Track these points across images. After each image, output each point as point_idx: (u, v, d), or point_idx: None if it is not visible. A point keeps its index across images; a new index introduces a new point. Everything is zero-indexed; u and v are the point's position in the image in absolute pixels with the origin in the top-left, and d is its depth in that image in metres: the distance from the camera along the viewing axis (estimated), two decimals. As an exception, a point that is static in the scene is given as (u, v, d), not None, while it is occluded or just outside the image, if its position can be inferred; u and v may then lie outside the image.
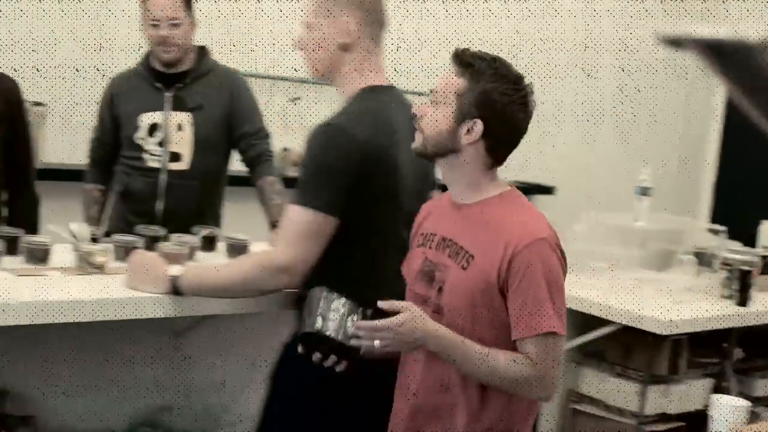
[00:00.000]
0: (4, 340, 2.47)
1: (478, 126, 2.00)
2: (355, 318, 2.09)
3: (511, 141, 2.05)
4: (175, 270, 2.36)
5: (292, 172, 3.99)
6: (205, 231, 2.97)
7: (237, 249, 2.86)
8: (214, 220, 3.29)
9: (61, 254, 2.66)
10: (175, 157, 3.27)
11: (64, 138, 4.25)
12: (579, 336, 3.26)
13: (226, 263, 2.60)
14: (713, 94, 6.01)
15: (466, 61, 2.03)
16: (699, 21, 5.63)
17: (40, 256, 2.60)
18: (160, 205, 3.25)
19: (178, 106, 3.29)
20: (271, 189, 3.30)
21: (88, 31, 4.22)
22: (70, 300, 2.30)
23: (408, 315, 2.00)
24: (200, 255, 2.84)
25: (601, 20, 5.60)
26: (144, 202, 3.28)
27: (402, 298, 2.12)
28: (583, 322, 3.23)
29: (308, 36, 2.41)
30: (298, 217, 2.28)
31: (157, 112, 3.29)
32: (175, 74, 3.30)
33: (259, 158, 3.35)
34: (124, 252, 2.64)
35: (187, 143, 3.27)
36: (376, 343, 2.01)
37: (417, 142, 2.09)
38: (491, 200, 2.06)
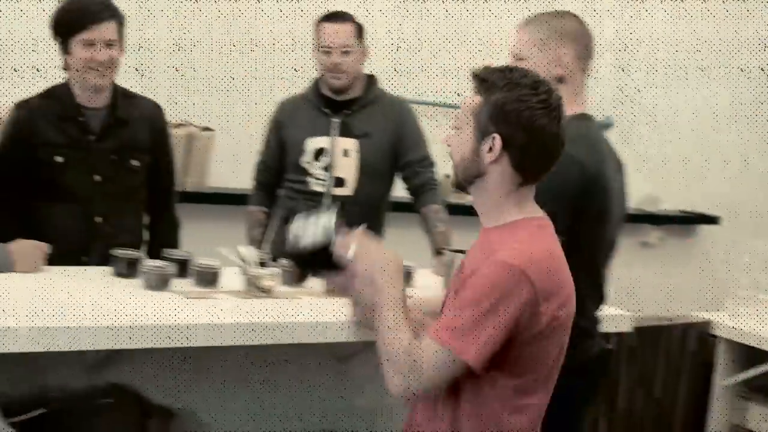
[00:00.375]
0: (174, 360, 2.51)
1: (497, 141, 1.89)
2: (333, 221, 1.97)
3: (540, 151, 1.91)
4: None
5: (455, 199, 3.98)
6: None
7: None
8: None
9: (230, 277, 2.72)
10: (340, 182, 3.36)
11: (229, 162, 4.37)
12: (745, 370, 3.19)
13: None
14: None
15: (480, 77, 1.94)
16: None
17: (209, 279, 2.67)
18: None
19: (345, 132, 3.37)
20: (435, 217, 3.37)
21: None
22: (239, 323, 2.33)
23: (389, 252, 1.92)
24: None
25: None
26: None
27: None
28: (750, 355, 3.17)
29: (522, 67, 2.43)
30: None
31: (324, 137, 3.38)
32: (344, 101, 3.40)
33: (423, 186, 3.42)
34: (290, 277, 2.71)
35: (352, 169, 3.34)
36: (350, 252, 1.92)
37: (452, 175, 2.01)
38: (508, 226, 1.95)
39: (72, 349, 2.20)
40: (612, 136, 6.07)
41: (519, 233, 1.92)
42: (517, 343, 1.86)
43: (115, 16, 3.01)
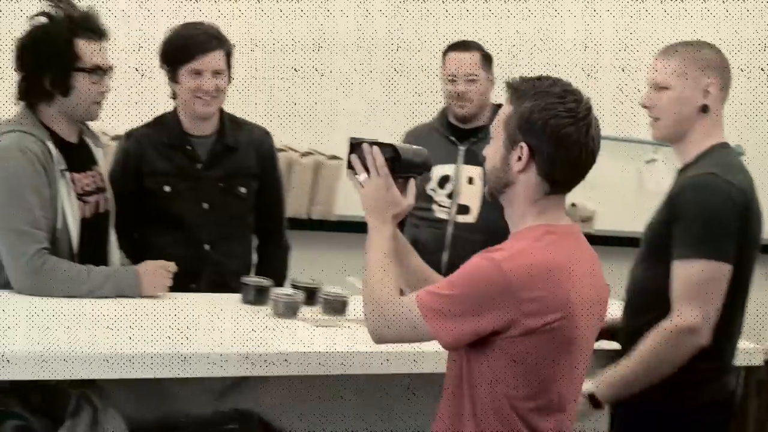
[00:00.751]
0: (299, 387, 2.53)
1: (525, 150, 1.91)
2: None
3: (567, 160, 1.91)
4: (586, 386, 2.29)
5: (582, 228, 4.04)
6: None
7: None
8: None
9: (359, 306, 2.72)
10: (464, 209, 3.41)
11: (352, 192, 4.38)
12: None
13: (633, 356, 2.34)
14: None
15: (511, 86, 1.96)
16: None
17: (337, 308, 2.71)
18: (445, 257, 3.34)
19: (471, 160, 3.42)
20: None
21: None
22: (368, 352, 2.35)
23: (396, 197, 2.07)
24: None
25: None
26: (429, 253, 3.36)
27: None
28: None
29: (665, 96, 2.43)
30: (698, 271, 2.25)
31: (450, 165, 3.44)
32: (471, 129, 3.45)
33: None
34: None
35: (476, 196, 3.38)
36: (362, 176, 2.10)
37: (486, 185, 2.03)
38: (521, 231, 1.97)
39: (204, 376, 2.23)
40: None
41: (525, 236, 1.94)
42: (501, 342, 1.88)
43: (223, 45, 3.03)
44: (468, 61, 3.42)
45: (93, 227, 2.79)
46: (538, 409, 1.92)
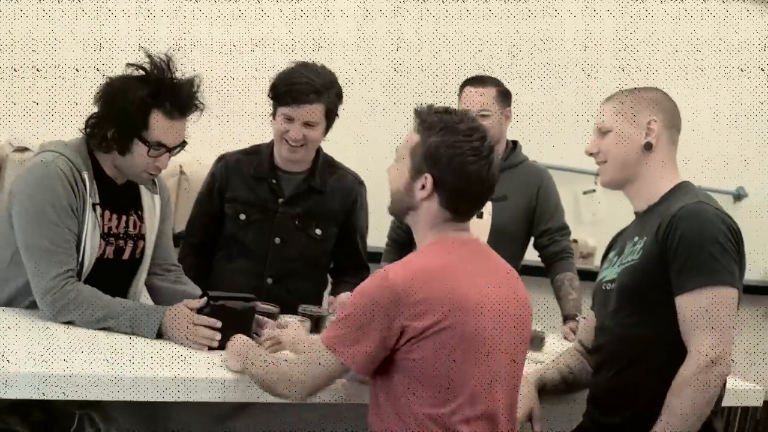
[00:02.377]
0: (289, 414, 2.53)
1: (429, 181, 2.03)
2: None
3: (468, 192, 2.05)
4: None
5: (580, 264, 4.08)
6: None
7: (533, 340, 2.88)
8: None
9: None
10: None
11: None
12: None
13: (669, 411, 2.20)
14: None
15: (420, 116, 2.07)
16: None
17: None
18: None
19: None
20: (569, 284, 3.41)
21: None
22: (367, 380, 2.30)
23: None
24: None
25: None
26: None
27: None
28: None
29: (607, 139, 2.43)
30: (709, 299, 2.19)
31: None
32: None
33: (560, 254, 3.49)
34: None
35: (485, 231, 3.36)
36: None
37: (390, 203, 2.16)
38: (420, 249, 2.10)
39: (204, 400, 2.22)
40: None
41: (418, 252, 2.09)
42: (400, 356, 1.98)
43: (323, 99, 2.99)
44: (481, 96, 3.45)
45: (110, 269, 2.71)
46: (461, 420, 1.97)
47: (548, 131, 5.64)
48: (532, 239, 3.57)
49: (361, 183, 3.26)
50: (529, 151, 3.83)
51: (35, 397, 2.05)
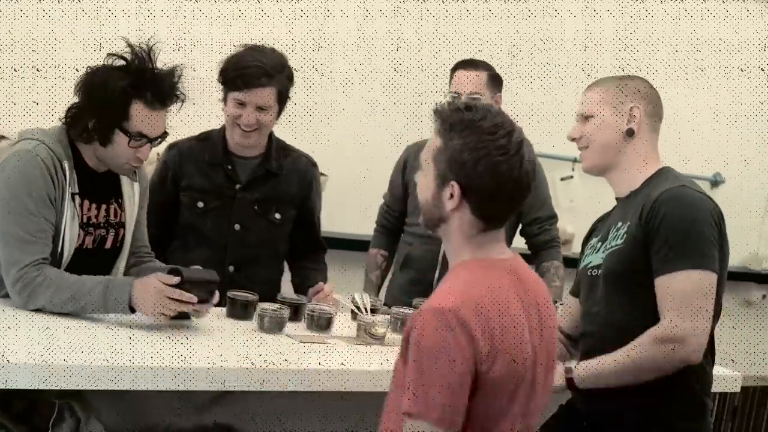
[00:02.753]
0: (279, 402, 2.52)
1: (456, 189, 1.85)
2: None
3: (500, 196, 1.86)
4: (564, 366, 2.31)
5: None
6: None
7: None
8: None
9: (343, 323, 2.77)
10: None
11: (341, 206, 4.36)
12: None
13: (620, 351, 2.29)
14: None
15: (440, 117, 1.89)
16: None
17: (322, 325, 2.71)
18: (437, 275, 3.34)
19: None
20: (555, 272, 3.44)
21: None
22: (347, 370, 2.36)
23: None
24: None
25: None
26: (421, 271, 3.38)
27: None
28: None
29: (589, 125, 2.44)
30: (685, 281, 2.21)
31: None
32: None
33: (548, 243, 3.52)
34: (402, 324, 2.71)
35: None
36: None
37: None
38: (454, 268, 1.91)
39: (183, 389, 2.21)
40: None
41: (459, 274, 1.87)
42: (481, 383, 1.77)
43: (275, 82, 2.96)
44: (473, 79, 3.44)
45: (90, 259, 2.69)
46: None
47: (548, 131, 5.64)
48: (519, 227, 3.56)
49: (314, 165, 3.23)
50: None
51: (35, 386, 2.05)
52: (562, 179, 5.19)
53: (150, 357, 2.24)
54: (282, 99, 3.03)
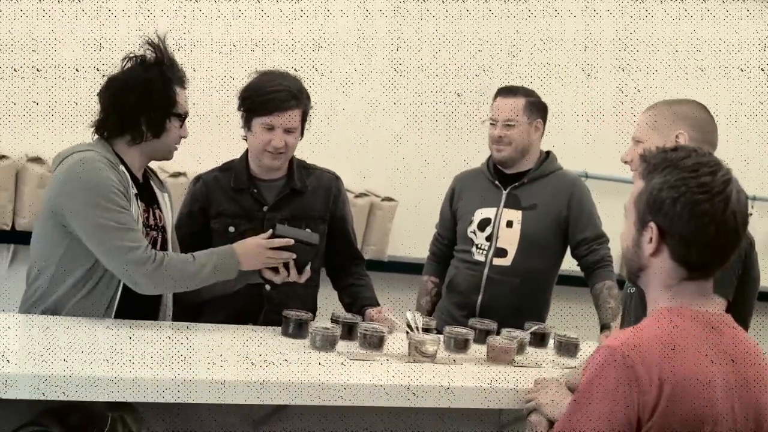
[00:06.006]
0: (333, 417, 2.56)
1: (655, 231, 1.74)
2: None
3: (701, 239, 1.72)
4: None
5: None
6: (535, 326, 3.05)
7: (566, 347, 2.96)
8: (535, 317, 3.32)
9: (396, 342, 2.80)
10: (501, 252, 3.43)
11: (411, 233, 4.47)
12: None
13: None
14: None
15: (644, 159, 1.80)
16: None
17: (374, 343, 2.74)
18: (479, 299, 3.38)
19: (512, 203, 3.45)
20: (608, 293, 3.38)
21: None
22: (398, 385, 2.36)
23: None
24: (530, 350, 2.93)
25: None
26: (465, 295, 3.39)
27: None
28: None
29: (639, 149, 2.40)
30: None
31: (491, 208, 3.48)
32: (514, 174, 3.48)
33: (598, 263, 3.45)
34: (455, 343, 2.80)
35: (514, 240, 3.39)
36: None
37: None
38: (649, 317, 1.80)
39: (240, 403, 2.23)
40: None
41: (644, 322, 1.78)
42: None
43: (301, 104, 3.04)
44: (509, 105, 3.46)
45: None
46: None
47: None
48: (569, 249, 3.55)
49: (337, 178, 3.26)
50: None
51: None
52: None
53: (205, 371, 2.26)
54: (304, 119, 3.09)
